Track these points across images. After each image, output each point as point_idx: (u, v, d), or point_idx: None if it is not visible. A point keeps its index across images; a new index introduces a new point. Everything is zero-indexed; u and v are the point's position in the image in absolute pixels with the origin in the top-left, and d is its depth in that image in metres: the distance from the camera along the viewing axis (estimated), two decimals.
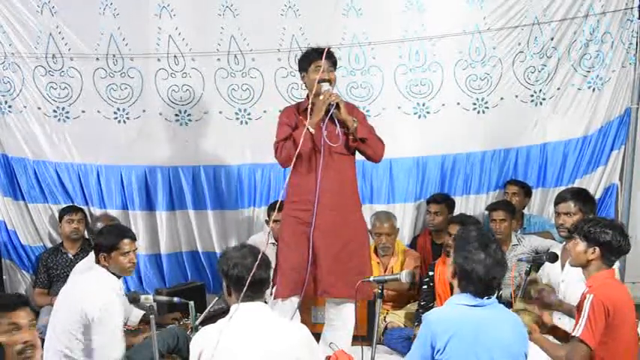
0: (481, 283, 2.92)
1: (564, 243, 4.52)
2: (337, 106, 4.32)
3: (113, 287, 4.05)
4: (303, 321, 4.46)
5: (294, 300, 4.41)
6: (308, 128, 4.26)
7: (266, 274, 3.19)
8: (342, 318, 4.45)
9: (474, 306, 2.89)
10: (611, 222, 3.52)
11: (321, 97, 4.30)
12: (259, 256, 3.14)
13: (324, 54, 4.32)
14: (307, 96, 4.49)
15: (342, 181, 4.43)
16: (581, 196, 4.43)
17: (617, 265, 4.23)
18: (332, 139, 4.32)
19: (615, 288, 3.42)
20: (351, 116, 4.38)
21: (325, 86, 4.32)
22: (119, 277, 4.15)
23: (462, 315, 2.88)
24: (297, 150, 4.13)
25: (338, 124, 4.35)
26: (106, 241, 4.11)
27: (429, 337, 2.84)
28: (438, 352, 2.81)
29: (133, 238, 4.20)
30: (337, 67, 4.54)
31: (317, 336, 3.99)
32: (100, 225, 5.24)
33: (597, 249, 3.38)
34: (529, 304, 3.80)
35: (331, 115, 4.31)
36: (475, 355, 2.81)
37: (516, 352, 2.90)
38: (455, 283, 3.00)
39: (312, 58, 4.41)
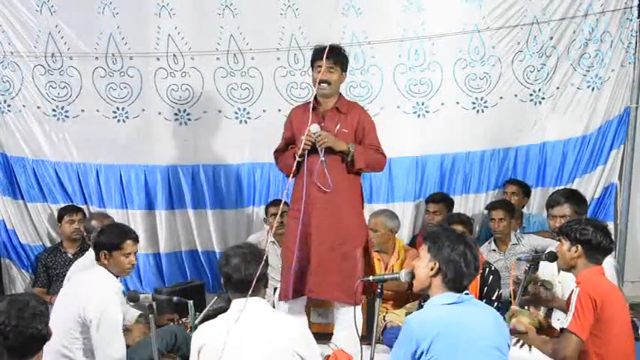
0: (463, 278, 2.91)
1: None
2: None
3: (113, 288, 4.02)
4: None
5: (299, 301, 4.37)
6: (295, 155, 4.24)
7: (241, 275, 3.14)
8: (347, 318, 4.36)
9: (454, 303, 2.89)
10: (593, 221, 3.56)
11: (302, 146, 4.19)
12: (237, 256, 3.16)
13: (325, 53, 4.19)
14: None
15: (336, 179, 4.27)
16: (574, 197, 4.45)
17: (614, 264, 4.27)
18: (323, 181, 4.24)
19: (603, 282, 3.44)
20: (346, 143, 4.28)
21: (314, 128, 4.21)
22: (117, 276, 4.10)
23: (443, 315, 2.85)
24: (291, 172, 4.12)
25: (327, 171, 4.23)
26: (109, 239, 4.05)
27: (412, 340, 2.80)
28: (422, 354, 2.79)
29: (136, 240, 4.14)
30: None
31: (317, 336, 3.98)
32: (94, 223, 5.09)
33: (579, 246, 3.42)
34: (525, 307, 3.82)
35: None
36: (460, 352, 2.80)
37: (499, 343, 2.90)
38: (435, 281, 2.95)
39: (313, 58, 4.37)
